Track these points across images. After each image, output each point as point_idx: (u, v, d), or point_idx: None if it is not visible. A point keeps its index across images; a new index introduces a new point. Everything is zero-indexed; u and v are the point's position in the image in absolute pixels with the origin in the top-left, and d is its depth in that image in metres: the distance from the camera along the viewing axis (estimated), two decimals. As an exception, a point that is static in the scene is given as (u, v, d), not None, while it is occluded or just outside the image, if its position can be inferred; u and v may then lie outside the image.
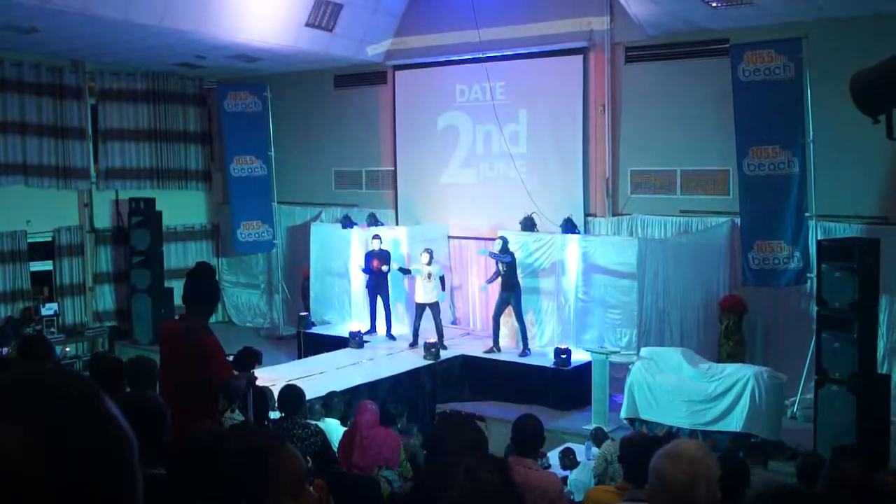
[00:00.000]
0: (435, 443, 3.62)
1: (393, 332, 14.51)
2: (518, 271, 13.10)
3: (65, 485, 1.05)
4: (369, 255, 14.41)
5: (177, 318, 5.55)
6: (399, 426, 8.58)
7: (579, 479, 8.32)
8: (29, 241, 16.02)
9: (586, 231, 13.69)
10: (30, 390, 1.09)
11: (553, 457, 9.20)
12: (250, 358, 6.25)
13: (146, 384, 5.86)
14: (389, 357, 13.52)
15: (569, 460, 9.07)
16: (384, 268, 14.20)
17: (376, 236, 14.40)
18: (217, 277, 5.66)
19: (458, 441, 3.33)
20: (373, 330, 14.58)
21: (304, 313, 15.49)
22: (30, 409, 1.07)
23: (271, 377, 10.96)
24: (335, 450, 7.56)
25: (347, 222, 15.39)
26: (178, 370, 5.41)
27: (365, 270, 14.50)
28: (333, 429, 8.31)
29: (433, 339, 13.33)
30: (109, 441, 1.11)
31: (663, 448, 2.92)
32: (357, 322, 14.98)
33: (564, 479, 8.23)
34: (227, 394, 5.67)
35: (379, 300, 14.51)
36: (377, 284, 14.41)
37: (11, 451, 1.03)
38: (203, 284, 5.49)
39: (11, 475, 1.03)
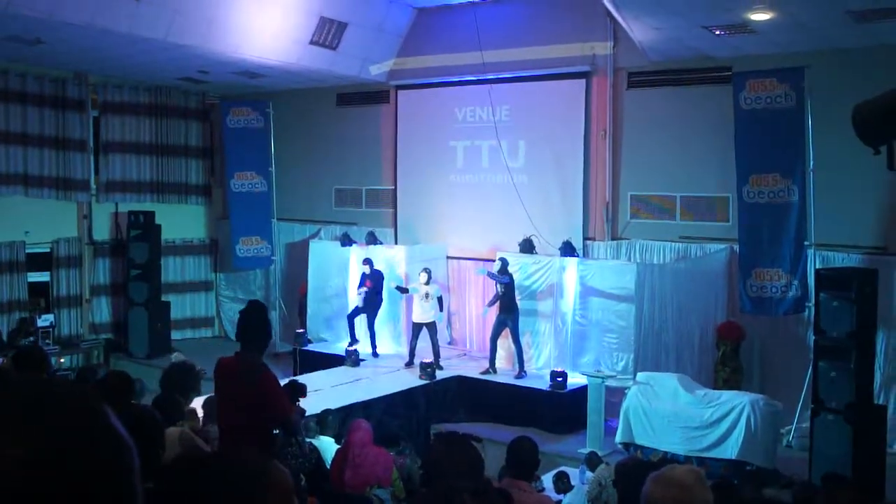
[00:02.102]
0: (432, 463, 3.60)
1: (377, 351, 14.61)
2: (516, 293, 13.09)
3: (66, 496, 1.05)
4: (363, 279, 14.48)
5: (233, 354, 5.70)
6: (401, 447, 8.56)
7: (573, 502, 8.30)
8: (27, 251, 16.02)
9: (585, 254, 13.70)
10: (30, 402, 1.09)
11: (547, 480, 9.16)
12: (296, 391, 6.37)
13: (189, 390, 6.06)
14: (385, 376, 13.49)
15: (563, 484, 9.03)
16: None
17: (366, 261, 14.43)
18: (268, 315, 5.75)
19: (456, 462, 3.31)
20: (354, 341, 14.53)
21: (301, 330, 15.45)
22: (30, 421, 1.06)
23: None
24: (329, 468, 7.53)
25: (346, 240, 15.41)
26: (236, 407, 5.49)
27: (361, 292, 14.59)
28: (328, 447, 8.29)
29: (429, 359, 13.30)
30: (110, 452, 1.10)
31: (655, 472, 2.91)
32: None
33: (558, 502, 8.20)
34: (289, 429, 5.86)
35: (363, 319, 14.54)
36: (366, 304, 14.42)
37: (12, 464, 1.03)
38: (256, 321, 5.60)
39: (12, 487, 1.02)
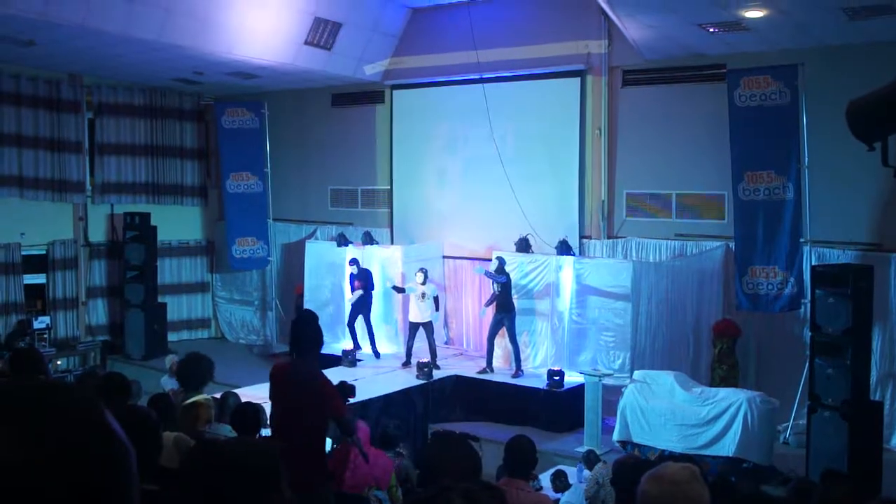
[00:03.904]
0: (430, 463, 3.60)
1: (377, 350, 14.57)
2: (513, 292, 13.10)
3: (66, 497, 1.05)
4: (351, 279, 14.46)
5: (287, 360, 6.26)
6: (398, 448, 8.53)
7: (570, 501, 8.30)
8: (23, 253, 16.00)
9: (581, 253, 13.70)
10: (31, 405, 1.09)
11: (545, 479, 9.17)
12: (345, 392, 6.60)
13: (201, 381, 6.20)
14: (382, 376, 13.48)
15: (560, 482, 9.03)
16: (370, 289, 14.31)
17: (353, 261, 14.40)
18: (319, 323, 6.15)
19: (454, 462, 3.32)
20: (357, 348, 14.52)
21: (297, 331, 15.40)
22: (32, 423, 1.07)
23: (264, 395, 10.92)
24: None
25: (342, 240, 15.40)
26: (293, 409, 5.83)
27: (353, 289, 14.59)
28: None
29: (426, 358, 13.30)
30: (110, 454, 1.11)
31: (650, 470, 2.92)
32: (350, 341, 14.96)
33: (556, 501, 8.21)
34: (344, 429, 6.25)
35: (361, 320, 14.52)
36: (360, 304, 14.40)
37: (14, 464, 1.03)
38: (309, 330, 5.98)
39: (14, 488, 1.03)
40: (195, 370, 6.75)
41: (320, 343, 6.11)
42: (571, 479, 9.20)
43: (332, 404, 5.91)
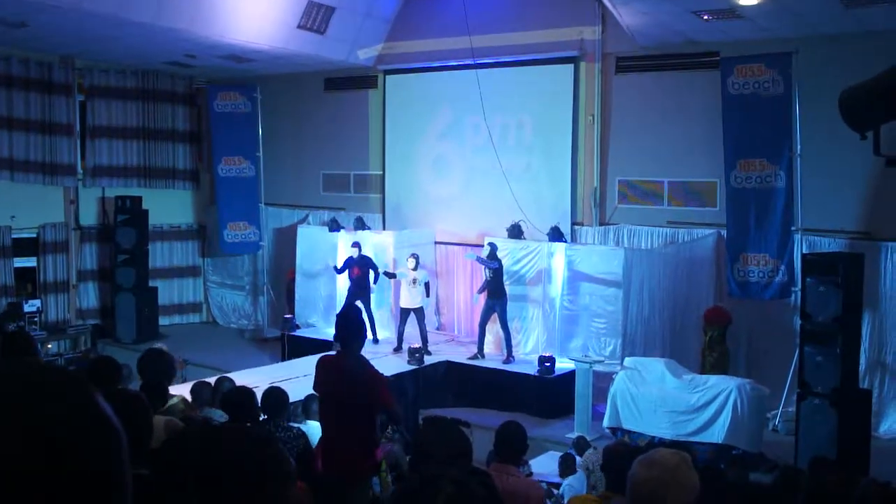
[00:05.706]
0: (420, 448, 3.61)
1: (377, 336, 14.46)
2: (504, 278, 13.10)
3: (60, 480, 1.05)
4: (349, 263, 14.35)
5: (333, 353, 6.53)
6: (388, 433, 8.55)
7: (573, 485, 8.35)
8: (13, 236, 15.94)
9: (573, 240, 13.71)
10: (25, 386, 1.09)
11: (535, 465, 9.20)
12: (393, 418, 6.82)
13: (162, 377, 6.14)
14: (373, 361, 13.38)
15: (567, 466, 9.04)
16: (373, 284, 14.18)
17: (355, 244, 14.33)
18: (363, 317, 6.66)
19: (445, 447, 3.32)
20: (375, 341, 14.43)
21: (289, 316, 15.44)
22: (26, 406, 1.07)
23: (256, 379, 10.93)
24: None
25: (334, 225, 15.37)
26: (343, 401, 6.00)
27: (338, 271, 14.47)
28: (315, 432, 8.28)
29: (417, 344, 13.32)
30: (103, 437, 1.11)
31: (642, 455, 2.94)
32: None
33: (556, 485, 8.27)
34: (394, 418, 6.59)
35: (360, 306, 14.45)
36: (358, 291, 14.31)
37: (8, 447, 1.03)
38: (354, 324, 6.24)
39: (8, 471, 1.03)
40: (151, 368, 6.31)
41: (364, 336, 6.32)
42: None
43: (381, 395, 6.06)
